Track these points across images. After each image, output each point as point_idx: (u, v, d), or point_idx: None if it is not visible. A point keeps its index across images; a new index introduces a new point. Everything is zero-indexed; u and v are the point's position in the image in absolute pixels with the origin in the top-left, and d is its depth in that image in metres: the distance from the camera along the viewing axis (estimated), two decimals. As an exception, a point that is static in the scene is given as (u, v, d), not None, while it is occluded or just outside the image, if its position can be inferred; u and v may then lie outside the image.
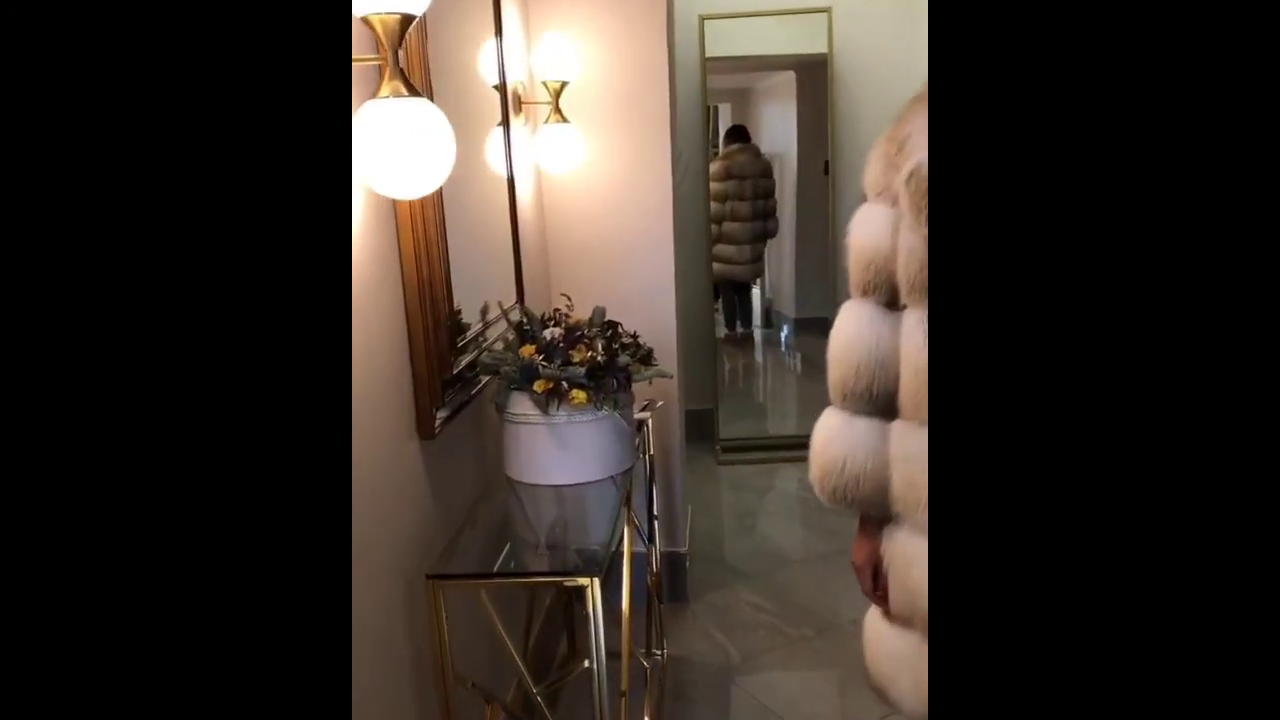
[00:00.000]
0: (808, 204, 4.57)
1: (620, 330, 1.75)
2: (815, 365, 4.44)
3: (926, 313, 1.08)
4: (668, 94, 2.42)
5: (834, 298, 4.28)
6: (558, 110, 2.21)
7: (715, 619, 2.64)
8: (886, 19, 4.01)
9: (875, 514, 1.18)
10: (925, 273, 1.05)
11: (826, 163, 4.41)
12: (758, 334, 4.89)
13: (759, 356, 4.91)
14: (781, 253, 4.79)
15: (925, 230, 1.03)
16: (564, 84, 2.20)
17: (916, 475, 1.11)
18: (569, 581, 1.40)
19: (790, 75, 4.66)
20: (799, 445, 3.17)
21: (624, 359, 1.67)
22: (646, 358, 1.75)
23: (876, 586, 1.22)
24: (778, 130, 4.88)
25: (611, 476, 1.68)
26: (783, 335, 4.82)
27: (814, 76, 4.35)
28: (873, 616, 1.26)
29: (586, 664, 1.41)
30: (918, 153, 1.04)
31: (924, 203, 1.02)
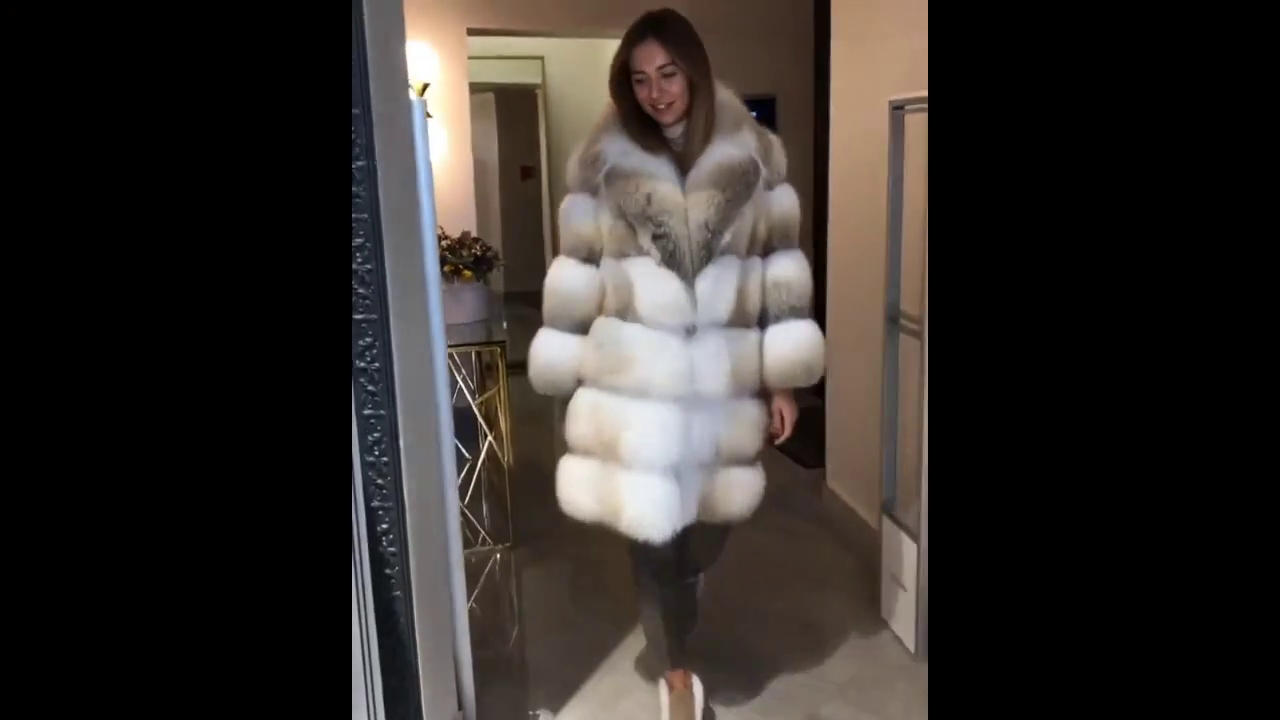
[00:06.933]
0: (511, 199, 5.92)
1: (482, 242, 2.98)
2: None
3: (617, 262, 1.65)
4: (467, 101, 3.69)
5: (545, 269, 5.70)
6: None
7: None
8: (586, 63, 5.58)
9: None
10: (613, 239, 1.65)
11: (523, 168, 5.80)
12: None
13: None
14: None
15: (616, 213, 1.62)
16: (425, 85, 3.30)
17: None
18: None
19: (489, 97, 5.98)
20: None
21: (490, 254, 2.91)
22: (496, 256, 2.99)
23: None
24: (479, 141, 6.15)
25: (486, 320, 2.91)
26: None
27: (516, 100, 5.70)
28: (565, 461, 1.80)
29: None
30: (610, 161, 1.64)
31: (615, 193, 1.61)
